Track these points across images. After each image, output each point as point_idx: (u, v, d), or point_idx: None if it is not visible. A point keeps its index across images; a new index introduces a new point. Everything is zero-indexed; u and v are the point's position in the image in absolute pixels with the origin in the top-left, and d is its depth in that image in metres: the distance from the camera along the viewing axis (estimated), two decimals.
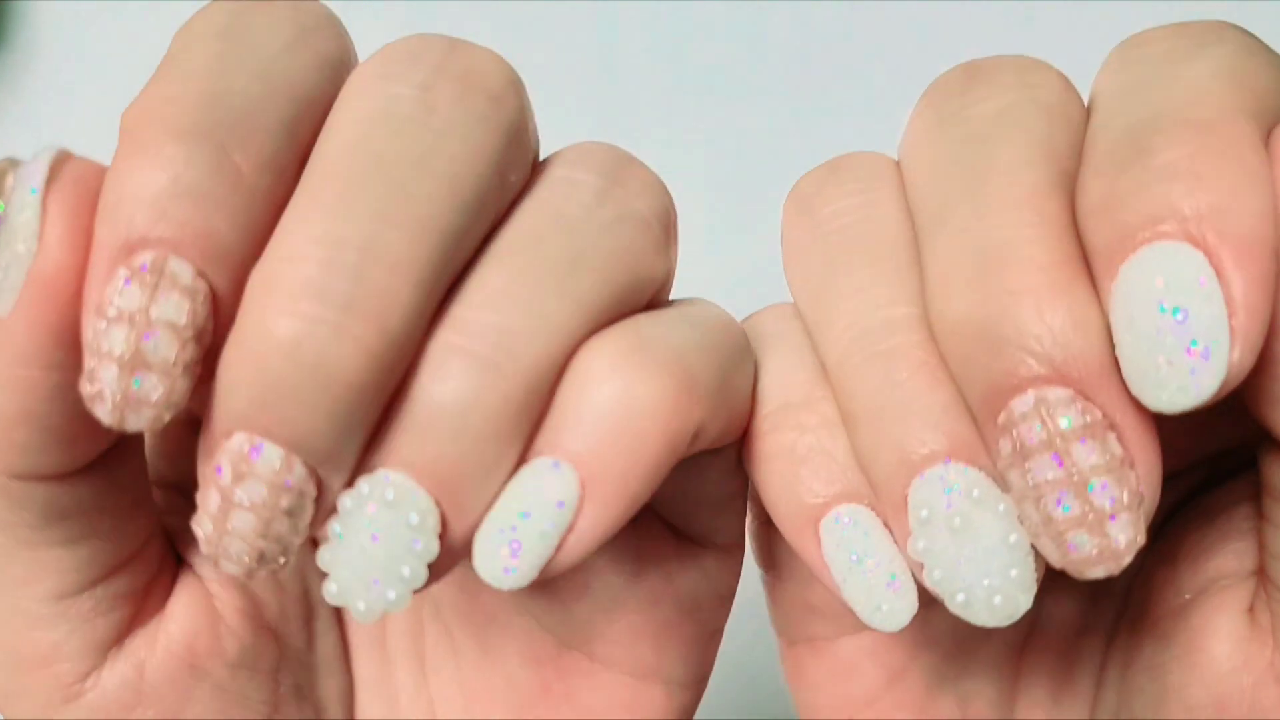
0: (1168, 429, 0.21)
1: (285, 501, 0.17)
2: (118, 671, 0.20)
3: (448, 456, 0.17)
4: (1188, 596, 0.21)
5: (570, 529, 0.18)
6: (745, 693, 0.36)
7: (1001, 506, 0.18)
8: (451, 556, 0.18)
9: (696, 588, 0.23)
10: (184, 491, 0.22)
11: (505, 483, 0.18)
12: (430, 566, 0.18)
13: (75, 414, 0.18)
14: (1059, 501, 0.17)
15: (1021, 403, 0.17)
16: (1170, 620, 0.21)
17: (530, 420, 0.18)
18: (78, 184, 0.17)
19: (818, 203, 0.21)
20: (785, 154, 0.40)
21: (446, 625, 0.24)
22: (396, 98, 0.18)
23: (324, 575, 0.18)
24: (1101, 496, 0.17)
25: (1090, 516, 0.17)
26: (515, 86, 0.19)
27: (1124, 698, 0.22)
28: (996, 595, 0.18)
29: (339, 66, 0.19)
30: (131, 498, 0.20)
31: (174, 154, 0.17)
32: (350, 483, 0.18)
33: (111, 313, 0.16)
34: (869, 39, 0.40)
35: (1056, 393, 0.17)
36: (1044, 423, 0.17)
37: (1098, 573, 0.17)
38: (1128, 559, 0.17)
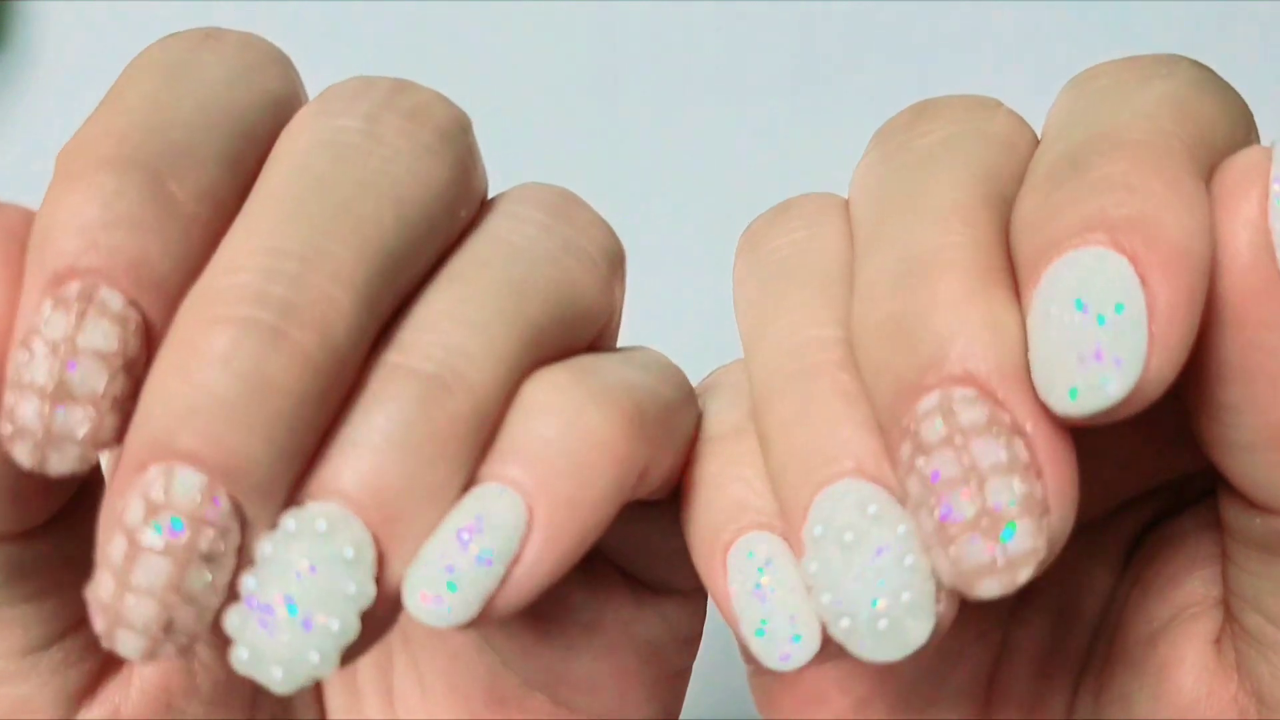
0: (1130, 450, 0.21)
1: (205, 542, 0.15)
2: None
3: (389, 481, 0.16)
4: (1155, 625, 0.21)
5: (516, 560, 0.17)
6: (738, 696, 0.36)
7: (902, 529, 0.16)
8: (386, 606, 0.16)
9: (657, 634, 0.23)
10: None
11: (445, 513, 0.17)
12: (363, 617, 0.16)
13: (25, 474, 0.17)
14: (953, 503, 0.16)
15: (927, 402, 0.16)
16: (1140, 649, 0.21)
17: (476, 446, 0.17)
18: (7, 232, 0.17)
19: (762, 240, 0.20)
20: (783, 159, 0.40)
21: (414, 659, 0.24)
22: (342, 129, 0.18)
23: (229, 642, 0.16)
24: (999, 497, 0.16)
25: (985, 520, 0.16)
26: (462, 124, 0.19)
27: None
28: (882, 619, 0.16)
29: (285, 105, 0.18)
30: (94, 545, 0.20)
31: (104, 182, 0.16)
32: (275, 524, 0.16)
33: (35, 344, 0.16)
34: (866, 48, 0.40)
35: (963, 392, 0.16)
36: (945, 419, 0.16)
37: (990, 588, 0.16)
38: (1024, 573, 0.16)
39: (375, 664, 0.24)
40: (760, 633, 0.17)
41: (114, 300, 0.16)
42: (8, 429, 0.16)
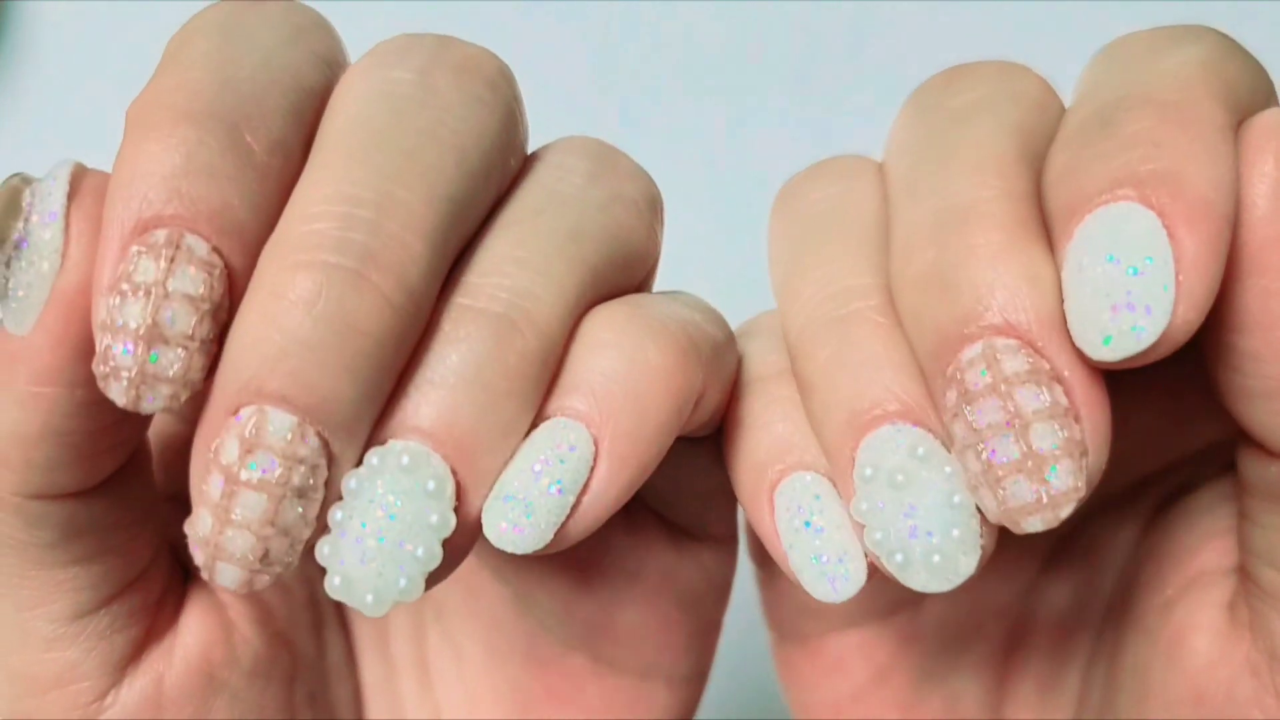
0: (1151, 425, 0.22)
1: (297, 478, 0.16)
2: (137, 688, 0.20)
3: (464, 417, 0.17)
4: (1170, 593, 0.21)
5: (585, 489, 0.17)
6: (741, 690, 0.37)
7: (948, 469, 0.18)
8: (466, 535, 0.17)
9: (695, 582, 0.23)
10: (187, 504, 0.22)
11: (517, 447, 0.18)
12: (445, 545, 0.17)
13: (97, 429, 0.18)
14: (999, 447, 0.17)
15: (969, 351, 0.17)
16: (1154, 616, 0.21)
17: (543, 382, 0.18)
18: (98, 199, 0.17)
19: (797, 196, 0.21)
20: (785, 155, 0.40)
21: (449, 629, 0.24)
22: (397, 80, 0.18)
23: (323, 571, 0.17)
24: (1042, 441, 0.17)
25: (1029, 463, 0.17)
26: (508, 75, 0.19)
27: (1108, 696, 0.22)
28: (935, 554, 0.17)
29: (333, 64, 0.19)
30: (141, 511, 0.20)
31: (186, 133, 0.17)
32: (359, 461, 0.17)
33: (125, 287, 0.16)
34: (870, 41, 0.41)
35: (1004, 342, 0.17)
36: (989, 367, 0.17)
37: (1034, 524, 0.17)
38: (1066, 510, 0.17)
39: (409, 637, 0.24)
40: (811, 566, 0.18)
41: (199, 246, 0.16)
42: (102, 369, 0.16)
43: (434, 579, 0.17)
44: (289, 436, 0.16)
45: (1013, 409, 0.17)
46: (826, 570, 0.18)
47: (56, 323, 0.17)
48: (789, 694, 0.25)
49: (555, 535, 0.17)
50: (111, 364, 0.16)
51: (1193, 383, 0.20)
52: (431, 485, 0.17)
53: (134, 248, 0.16)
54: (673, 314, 0.19)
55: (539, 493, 0.17)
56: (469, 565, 0.23)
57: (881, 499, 0.18)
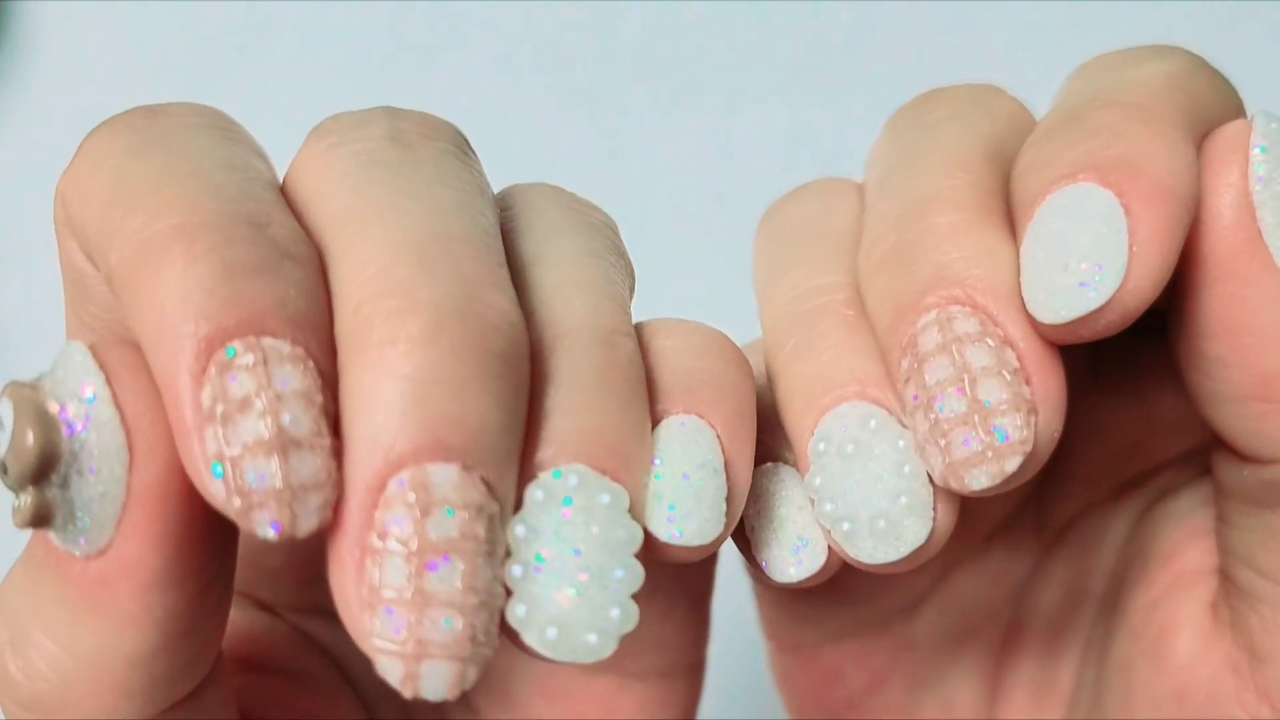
0: (1133, 428, 0.22)
1: (482, 528, 0.14)
2: None
3: (608, 426, 0.16)
4: (1155, 592, 0.22)
5: (727, 470, 0.17)
6: (738, 696, 0.37)
7: (901, 442, 0.18)
8: (646, 548, 0.16)
9: (699, 581, 0.23)
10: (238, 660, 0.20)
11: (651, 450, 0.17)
12: (637, 557, 0.16)
13: (210, 614, 0.16)
14: (946, 402, 0.17)
15: (925, 319, 0.17)
16: (1140, 615, 0.22)
17: (645, 388, 0.17)
18: (138, 371, 0.15)
19: (778, 213, 0.22)
20: (784, 157, 0.40)
21: (466, 700, 0.23)
22: (369, 149, 0.17)
23: (517, 631, 0.15)
24: (989, 394, 0.17)
25: (975, 415, 0.17)
26: (462, 136, 0.19)
27: (1096, 696, 0.23)
28: (881, 519, 0.17)
29: (264, 155, 0.17)
30: (230, 686, 0.19)
31: (210, 239, 0.15)
32: (517, 505, 0.15)
33: (222, 409, 0.14)
34: (870, 41, 0.41)
35: (959, 309, 0.17)
36: (941, 329, 0.17)
37: (979, 479, 0.17)
38: (1011, 463, 0.17)
39: (431, 710, 0.23)
40: (770, 548, 0.18)
41: (283, 345, 0.14)
42: (237, 502, 0.14)
43: (637, 600, 0.16)
44: (459, 483, 0.14)
45: (962, 364, 0.17)
46: (784, 553, 0.18)
47: (148, 519, 0.15)
48: (785, 700, 0.25)
49: (727, 518, 0.17)
50: (249, 490, 0.14)
51: (1172, 387, 0.20)
52: (607, 498, 0.15)
53: (210, 370, 0.14)
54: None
55: (698, 481, 0.16)
56: None
57: (831, 470, 0.18)
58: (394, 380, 0.14)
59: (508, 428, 0.15)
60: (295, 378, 0.14)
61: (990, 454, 0.17)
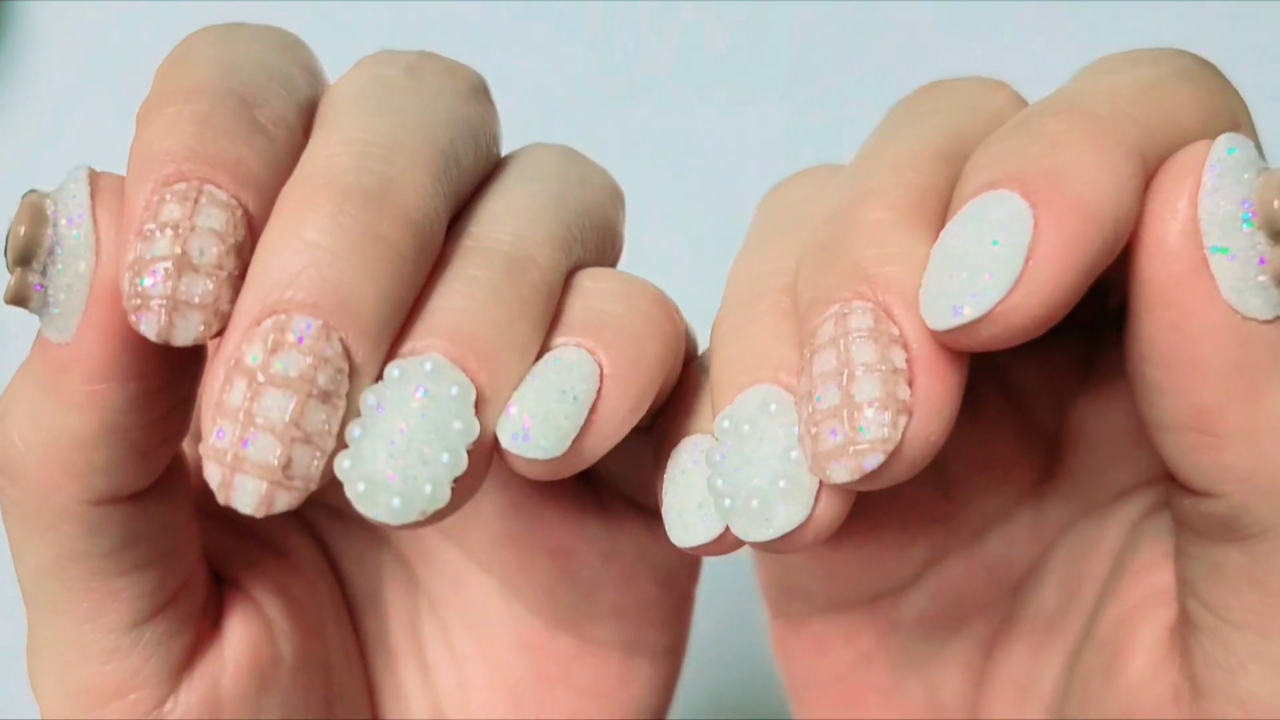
0: (1133, 437, 0.22)
1: (323, 377, 0.16)
2: (195, 692, 0.20)
3: (483, 331, 0.17)
4: (1124, 609, 0.21)
5: (595, 407, 0.18)
6: (725, 671, 0.37)
7: (797, 429, 0.18)
8: (485, 448, 0.17)
9: (668, 559, 0.24)
10: (215, 516, 0.22)
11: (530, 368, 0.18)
12: (469, 454, 0.17)
13: (152, 422, 0.18)
14: (825, 393, 0.17)
15: (829, 312, 0.17)
16: (1108, 629, 0.22)
17: (547, 317, 0.18)
18: (119, 194, 0.18)
19: (771, 197, 0.22)
20: (783, 157, 0.40)
21: (441, 621, 0.24)
22: (387, 75, 0.19)
23: (342, 481, 0.17)
24: (862, 391, 0.17)
25: (845, 410, 0.17)
26: (485, 84, 0.21)
27: (1065, 700, 0.22)
28: (755, 499, 0.18)
29: (318, 77, 0.20)
30: (185, 514, 0.21)
31: (198, 105, 0.17)
32: (378, 377, 0.17)
33: (151, 227, 0.17)
34: (870, 42, 0.41)
35: (860, 304, 0.17)
36: (838, 323, 0.17)
37: (840, 471, 0.17)
38: (870, 460, 0.17)
39: (407, 631, 0.24)
40: (671, 511, 0.19)
41: (219, 193, 0.17)
42: (133, 301, 0.17)
43: (461, 488, 0.17)
44: (314, 336, 0.16)
45: (845, 358, 0.17)
46: (684, 517, 0.19)
47: (101, 317, 0.17)
48: (780, 665, 0.25)
49: (570, 447, 0.18)
50: (143, 294, 0.17)
51: None
52: (455, 391, 0.17)
53: (156, 197, 0.17)
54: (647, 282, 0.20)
55: (554, 404, 0.17)
56: (455, 557, 0.24)
57: (727, 446, 0.18)
58: (291, 239, 0.17)
59: (380, 304, 0.17)
60: (216, 219, 0.17)
61: (851, 449, 0.17)
